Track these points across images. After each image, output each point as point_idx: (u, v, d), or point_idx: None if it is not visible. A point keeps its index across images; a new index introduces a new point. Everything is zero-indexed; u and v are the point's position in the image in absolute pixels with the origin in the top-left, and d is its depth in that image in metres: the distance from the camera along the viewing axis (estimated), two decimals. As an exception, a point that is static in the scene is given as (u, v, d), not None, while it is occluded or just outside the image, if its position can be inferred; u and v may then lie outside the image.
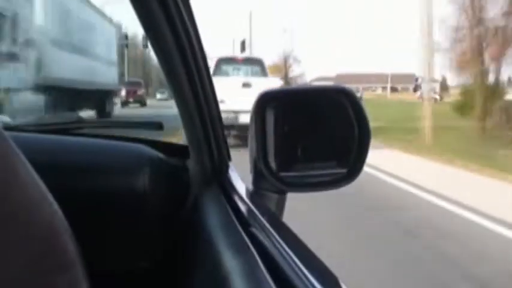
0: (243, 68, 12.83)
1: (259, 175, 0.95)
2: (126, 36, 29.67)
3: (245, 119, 9.16)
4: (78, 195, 1.07)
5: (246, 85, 10.41)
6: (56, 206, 0.36)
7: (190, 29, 0.90)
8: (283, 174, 0.94)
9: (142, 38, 21.23)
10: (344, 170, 0.94)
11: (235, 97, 9.83)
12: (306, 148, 0.96)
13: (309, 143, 0.96)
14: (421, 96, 23.60)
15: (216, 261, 0.70)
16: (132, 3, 0.82)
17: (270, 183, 0.95)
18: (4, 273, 0.32)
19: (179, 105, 1.04)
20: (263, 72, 12.58)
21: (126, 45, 31.35)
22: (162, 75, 1.05)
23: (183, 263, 1.01)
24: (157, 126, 1.35)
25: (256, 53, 30.68)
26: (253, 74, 12.31)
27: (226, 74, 12.37)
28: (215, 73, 11.60)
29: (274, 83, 11.66)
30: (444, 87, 56.06)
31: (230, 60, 13.09)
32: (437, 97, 35.64)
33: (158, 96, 43.18)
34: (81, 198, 1.08)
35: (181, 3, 0.85)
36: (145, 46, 21.07)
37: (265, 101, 0.94)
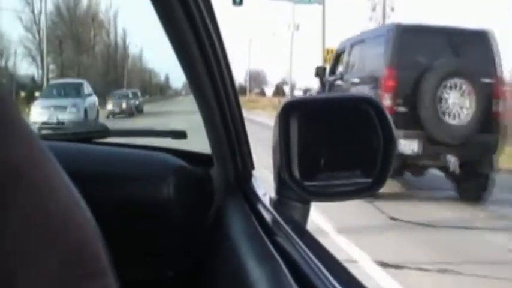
0: None
1: (282, 184, 0.95)
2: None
3: None
4: (101, 203, 1.08)
5: None
6: (88, 213, 0.37)
7: (213, 35, 0.91)
8: (307, 183, 0.94)
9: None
10: (368, 180, 0.93)
11: None
12: (329, 157, 0.95)
13: (333, 152, 0.95)
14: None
15: (241, 270, 0.70)
16: (154, 7, 0.83)
17: (294, 192, 0.94)
18: (39, 279, 0.32)
19: (203, 114, 1.05)
20: None
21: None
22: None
23: (208, 272, 1.01)
24: (181, 134, 1.36)
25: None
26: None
27: None
28: None
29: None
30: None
31: None
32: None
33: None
34: (104, 207, 1.08)
35: (203, 7, 0.86)
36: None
37: (289, 110, 0.94)
